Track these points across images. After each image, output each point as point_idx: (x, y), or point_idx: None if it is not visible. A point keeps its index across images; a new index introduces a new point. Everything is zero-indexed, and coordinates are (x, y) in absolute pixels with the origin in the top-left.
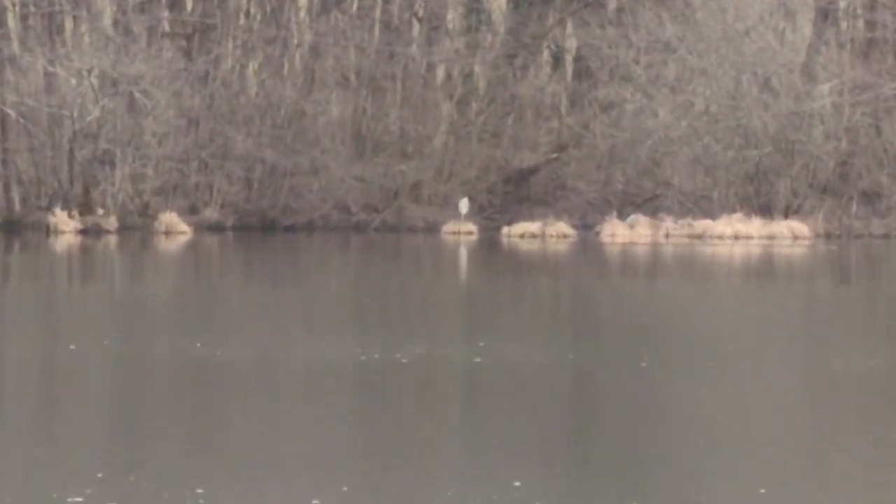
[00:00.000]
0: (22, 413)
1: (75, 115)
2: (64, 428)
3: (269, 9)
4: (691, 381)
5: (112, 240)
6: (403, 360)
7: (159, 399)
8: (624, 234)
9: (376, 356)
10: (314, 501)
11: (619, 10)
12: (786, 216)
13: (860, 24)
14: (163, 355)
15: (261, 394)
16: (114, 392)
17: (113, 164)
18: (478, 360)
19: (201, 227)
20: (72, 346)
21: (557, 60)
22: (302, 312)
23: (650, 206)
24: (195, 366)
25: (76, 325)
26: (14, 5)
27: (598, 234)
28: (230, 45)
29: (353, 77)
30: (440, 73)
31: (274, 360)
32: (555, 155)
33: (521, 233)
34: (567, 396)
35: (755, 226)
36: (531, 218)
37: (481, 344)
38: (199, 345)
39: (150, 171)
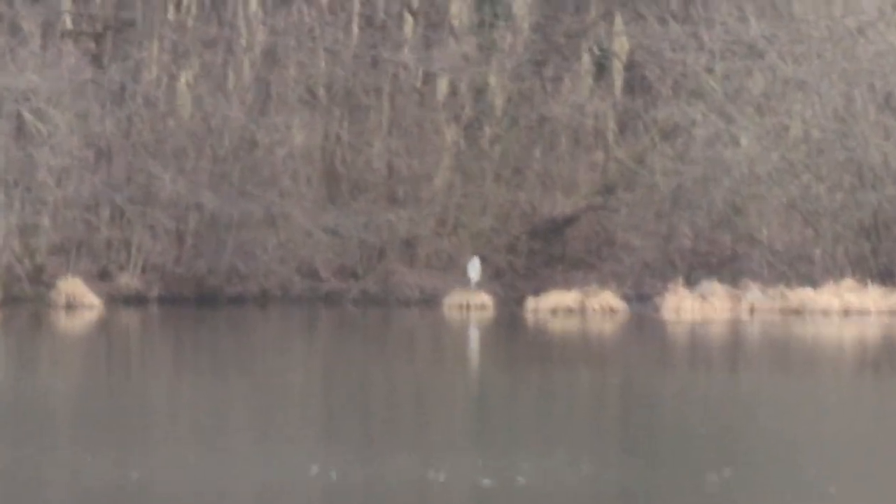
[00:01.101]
0: None
1: None
2: None
3: None
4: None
5: None
6: (387, 483)
7: None
8: (693, 308)
9: (350, 477)
10: None
11: (686, 0)
12: None
13: None
14: (58, 478)
15: None
16: None
17: None
18: (488, 482)
19: (115, 299)
20: None
21: (602, 68)
22: (251, 417)
23: (729, 269)
24: (102, 493)
25: None
26: None
27: (657, 308)
28: (155, 49)
29: (322, 92)
30: (442, 86)
31: (210, 485)
32: (599, 199)
33: (553, 306)
34: None
35: (872, 296)
36: (566, 286)
37: (495, 460)
38: (108, 463)
39: (45, 222)
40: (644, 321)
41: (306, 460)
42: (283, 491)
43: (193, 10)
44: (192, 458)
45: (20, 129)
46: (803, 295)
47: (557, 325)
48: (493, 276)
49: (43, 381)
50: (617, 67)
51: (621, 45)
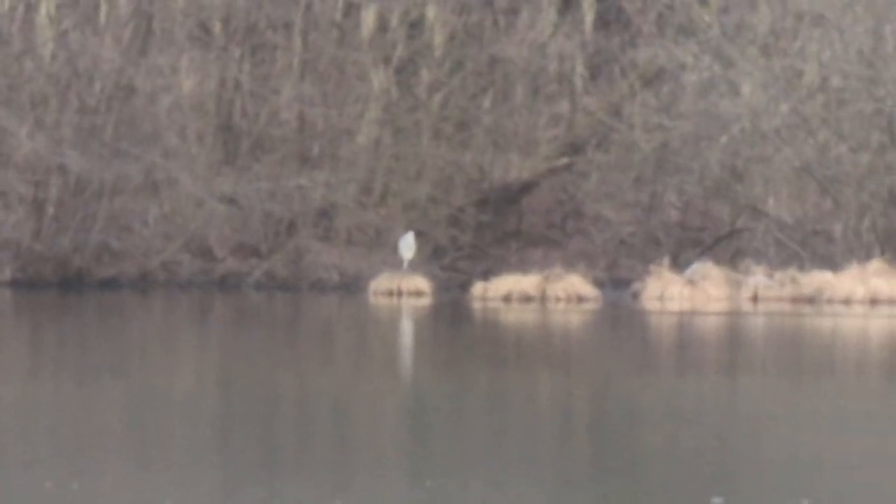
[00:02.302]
0: None
1: None
2: None
3: None
4: None
5: None
6: None
7: None
8: (681, 295)
9: None
10: None
11: None
12: None
13: None
14: None
15: None
16: None
17: None
18: (421, 499)
19: None
20: None
21: (569, 0)
22: (124, 431)
23: (727, 248)
24: None
25: None
26: None
27: (636, 295)
28: None
29: (217, 28)
30: (368, 19)
31: None
32: (564, 160)
33: (507, 293)
34: None
35: None
36: (523, 268)
37: (432, 490)
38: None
39: None
40: (620, 312)
41: (182, 488)
42: None
43: None
44: (46, 484)
45: None
46: (819, 280)
47: (511, 316)
48: (432, 255)
49: None
50: None
51: None
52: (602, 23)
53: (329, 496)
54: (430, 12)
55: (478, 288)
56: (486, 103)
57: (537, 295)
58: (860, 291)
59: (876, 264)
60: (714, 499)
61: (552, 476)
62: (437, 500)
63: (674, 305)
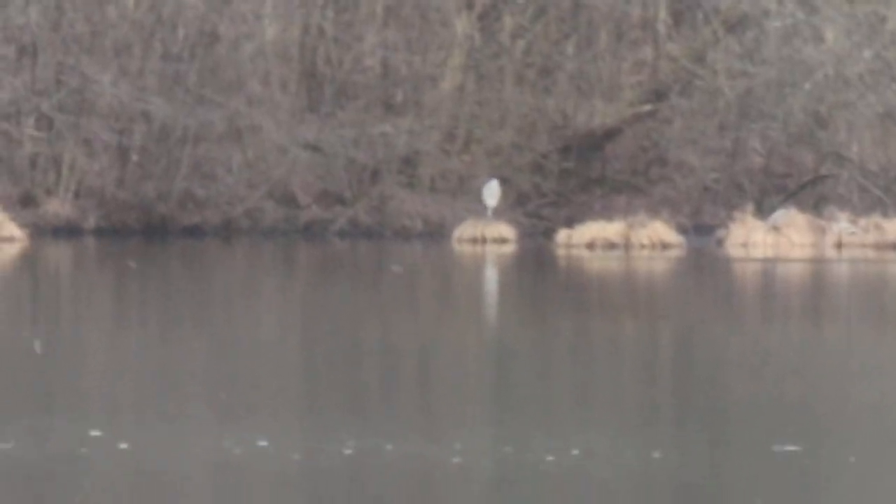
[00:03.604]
0: None
1: None
2: None
3: None
4: (861, 478)
5: None
6: (386, 459)
7: None
8: (765, 242)
9: (337, 452)
10: None
11: None
12: None
13: None
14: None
15: None
16: None
17: None
18: (509, 451)
19: (42, 230)
20: None
21: None
22: (212, 379)
23: (811, 194)
24: (40, 463)
25: None
26: None
27: (720, 242)
28: None
29: None
30: None
31: (152, 462)
32: (648, 107)
33: (591, 240)
34: None
35: None
36: (607, 215)
37: (517, 436)
38: (46, 439)
39: None
40: (704, 259)
41: (276, 433)
42: (240, 472)
43: None
44: (134, 430)
45: None
46: None
47: (596, 263)
48: (515, 202)
49: None
50: None
51: None
52: None
53: (413, 441)
54: None
55: (561, 235)
56: (570, 49)
57: (621, 242)
58: None
59: None
60: (793, 445)
61: (634, 421)
62: (521, 445)
63: (758, 252)
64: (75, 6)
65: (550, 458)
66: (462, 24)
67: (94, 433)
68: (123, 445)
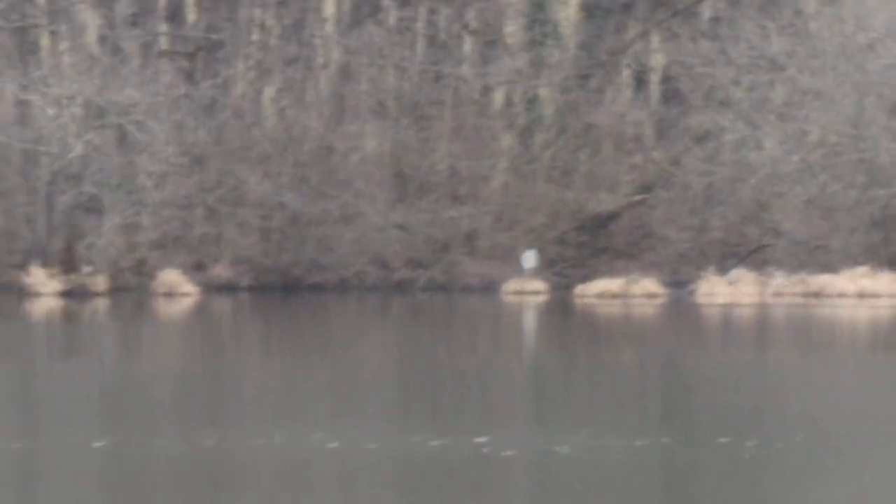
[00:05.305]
0: None
1: (54, 152)
2: None
3: (288, 21)
4: (806, 473)
5: (101, 304)
6: (461, 453)
7: None
8: (724, 293)
9: (425, 448)
10: None
11: (715, 19)
12: None
13: None
14: (168, 453)
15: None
16: (120, 500)
17: (100, 212)
18: (558, 449)
19: (209, 288)
20: (52, 441)
21: (640, 81)
22: (334, 395)
23: (756, 258)
24: (211, 466)
25: (57, 413)
26: None
27: (692, 293)
28: (242, 66)
29: (391, 104)
30: (498, 97)
31: (306, 457)
32: (639, 197)
33: (600, 292)
34: (662, 492)
35: (884, 282)
36: (611, 274)
37: (555, 431)
38: (213, 440)
39: (145, 221)
40: (681, 305)
41: (383, 433)
42: (369, 460)
43: (275, 31)
44: (287, 435)
45: (122, 139)
46: (822, 281)
47: (604, 309)
48: (546, 265)
49: (148, 364)
50: (654, 80)
51: (657, 60)
52: (664, 98)
53: (474, 438)
54: (542, 92)
55: (578, 289)
56: (583, 156)
57: (621, 293)
58: (851, 288)
59: (862, 269)
60: (754, 439)
61: (634, 420)
62: (558, 438)
63: (719, 300)
64: (231, 128)
65: (565, 448)
66: (506, 139)
67: (316, 435)
68: (333, 444)
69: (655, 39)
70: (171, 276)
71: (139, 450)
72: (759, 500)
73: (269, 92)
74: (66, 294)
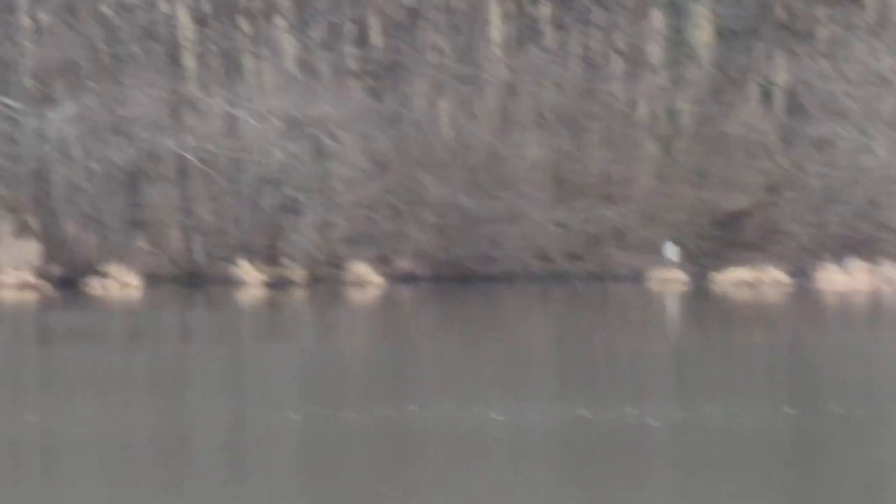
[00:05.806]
0: (209, 485)
1: (258, 159)
2: None
3: (460, 44)
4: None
5: (300, 293)
6: (614, 423)
7: (368, 472)
8: (841, 281)
9: (581, 420)
10: None
11: (831, 41)
12: None
13: None
14: (356, 423)
15: (494, 460)
16: (316, 465)
17: (298, 212)
18: (697, 419)
19: (393, 279)
20: (260, 412)
21: (766, 95)
22: (505, 372)
23: (868, 250)
24: (407, 433)
25: (262, 389)
26: (191, 44)
27: (813, 281)
28: (420, 84)
29: (550, 116)
30: (643, 110)
31: (479, 425)
32: (767, 197)
33: (735, 281)
34: (791, 459)
35: None
36: (741, 263)
37: (694, 403)
38: (410, 407)
39: (337, 219)
40: (804, 292)
41: (547, 405)
42: (536, 429)
43: (449, 53)
44: (464, 406)
45: (317, 148)
46: None
47: (737, 295)
48: (686, 257)
49: (342, 345)
50: (778, 94)
51: (781, 77)
52: (788, 109)
53: (625, 409)
54: (682, 105)
55: (715, 278)
56: (717, 161)
57: (752, 281)
58: None
59: None
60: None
61: (760, 394)
62: (696, 409)
63: (836, 287)
64: (411, 138)
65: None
66: (650, 147)
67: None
68: (499, 417)
69: (779, 59)
70: (360, 269)
71: (329, 421)
72: (860, 464)
73: (443, 106)
74: (269, 284)
